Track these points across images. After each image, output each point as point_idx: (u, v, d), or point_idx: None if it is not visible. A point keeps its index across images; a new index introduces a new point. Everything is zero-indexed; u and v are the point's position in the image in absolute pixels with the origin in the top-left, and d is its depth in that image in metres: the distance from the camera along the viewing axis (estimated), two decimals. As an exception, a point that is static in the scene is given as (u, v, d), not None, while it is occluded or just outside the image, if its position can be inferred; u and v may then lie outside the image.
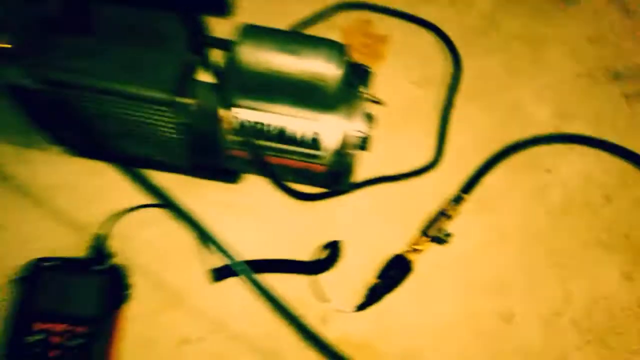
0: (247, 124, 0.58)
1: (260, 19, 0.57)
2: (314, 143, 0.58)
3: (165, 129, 0.60)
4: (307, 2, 0.81)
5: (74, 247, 0.63)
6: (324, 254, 0.65)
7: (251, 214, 0.67)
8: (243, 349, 0.61)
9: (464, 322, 0.63)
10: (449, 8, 0.86)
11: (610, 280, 0.66)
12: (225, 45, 0.58)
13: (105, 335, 0.58)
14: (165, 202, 0.54)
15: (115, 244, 0.64)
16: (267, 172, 0.61)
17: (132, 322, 0.61)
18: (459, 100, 0.77)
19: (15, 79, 0.56)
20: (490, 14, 0.85)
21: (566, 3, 0.86)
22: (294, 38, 0.57)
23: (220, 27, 0.58)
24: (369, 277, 0.65)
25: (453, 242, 0.66)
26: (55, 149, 0.70)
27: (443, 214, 0.67)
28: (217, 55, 0.59)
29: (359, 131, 0.58)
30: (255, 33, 0.56)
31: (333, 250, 0.64)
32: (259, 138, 0.59)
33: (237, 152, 0.61)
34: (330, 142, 0.58)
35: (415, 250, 0.65)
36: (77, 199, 0.69)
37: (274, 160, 0.60)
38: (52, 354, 0.56)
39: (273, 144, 0.59)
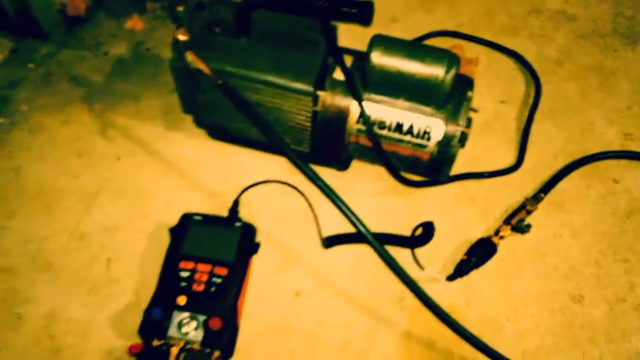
0: (370, 115, 0.71)
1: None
2: (424, 134, 0.70)
3: (301, 117, 0.74)
4: (410, 29, 0.95)
5: (211, 210, 0.76)
6: (420, 232, 0.76)
7: (357, 195, 0.79)
8: (346, 303, 0.73)
9: (537, 299, 0.73)
10: (529, 41, 0.99)
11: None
12: (356, 52, 0.72)
13: (238, 278, 0.69)
14: (311, 176, 0.64)
15: (244, 210, 0.77)
16: (382, 157, 0.73)
17: (256, 274, 0.73)
18: (538, 117, 0.88)
19: (187, 64, 0.70)
20: (566, 48, 0.98)
21: (633, 42, 0.97)
22: (416, 46, 0.70)
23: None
24: (457, 255, 0.75)
25: (531, 233, 0.77)
26: (198, 132, 0.85)
27: (524, 208, 0.78)
28: (349, 59, 0.73)
29: (460, 128, 0.70)
30: (385, 41, 0.69)
31: (427, 229, 0.76)
32: (378, 127, 0.71)
33: (357, 139, 0.74)
34: (436, 134, 0.70)
35: (499, 236, 0.76)
36: (214, 173, 0.83)
37: (388, 147, 0.73)
38: (195, 287, 0.68)
39: (390, 133, 0.71)
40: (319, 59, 0.72)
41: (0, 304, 0.71)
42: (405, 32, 0.95)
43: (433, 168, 0.74)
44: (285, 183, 0.80)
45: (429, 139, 0.71)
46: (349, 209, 0.65)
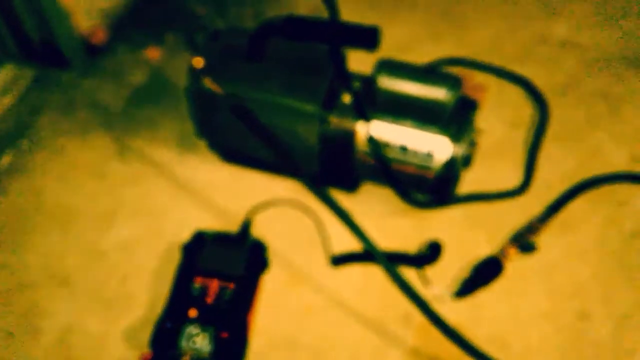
0: (376, 136, 0.77)
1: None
2: (428, 155, 0.76)
3: (310, 138, 0.80)
4: (420, 58, 1.02)
5: (223, 229, 0.82)
6: (427, 251, 0.81)
7: (366, 216, 0.84)
8: (354, 320, 0.77)
9: (544, 317, 0.77)
10: (537, 68, 1.05)
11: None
12: (364, 76, 0.79)
13: (248, 292, 0.75)
14: (324, 199, 0.71)
15: (256, 229, 0.83)
16: (389, 177, 0.79)
17: (266, 291, 0.78)
18: (545, 141, 0.94)
19: (204, 87, 0.78)
20: (574, 74, 1.04)
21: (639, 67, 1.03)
22: (421, 70, 0.77)
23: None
24: (464, 274, 0.80)
25: (538, 252, 0.81)
26: (211, 156, 0.92)
27: (530, 229, 0.83)
28: (356, 82, 0.80)
29: (463, 149, 0.76)
30: (390, 64, 0.76)
31: (435, 248, 0.81)
32: (385, 148, 0.77)
33: (364, 160, 0.80)
34: (440, 155, 0.76)
35: (505, 255, 0.80)
36: (226, 195, 0.89)
37: (395, 167, 0.78)
38: (208, 300, 0.73)
39: (395, 154, 0.77)
40: (327, 83, 0.79)
41: (20, 317, 0.77)
42: (415, 60, 1.02)
43: (438, 188, 0.80)
44: (295, 204, 0.86)
45: (433, 159, 0.76)
46: (358, 227, 0.71)
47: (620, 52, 1.07)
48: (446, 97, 0.73)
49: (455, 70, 1.03)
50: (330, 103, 0.79)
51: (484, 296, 0.79)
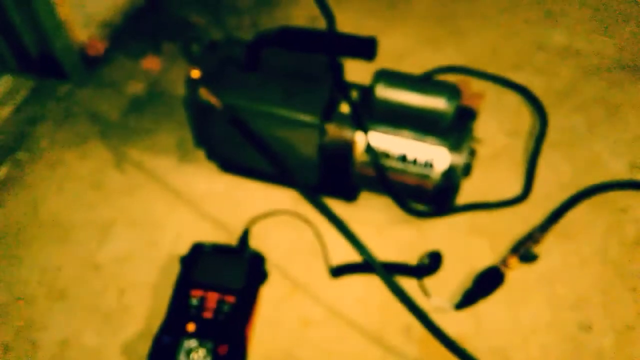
0: (375, 146, 0.75)
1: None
2: (427, 164, 0.74)
3: (308, 149, 0.78)
4: (418, 66, 1.00)
5: (221, 240, 0.79)
6: (427, 261, 0.79)
7: (365, 226, 0.82)
8: (355, 333, 0.75)
9: (546, 328, 0.75)
10: (536, 76, 1.03)
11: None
12: (362, 86, 0.77)
13: (247, 305, 0.72)
14: (321, 209, 0.69)
15: (254, 240, 0.80)
16: (388, 187, 0.77)
17: (265, 303, 0.76)
18: (545, 150, 0.92)
19: (201, 98, 0.75)
20: (572, 82, 1.02)
21: (638, 75, 1.01)
22: (418, 80, 0.75)
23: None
24: (465, 284, 0.78)
25: (539, 262, 0.79)
26: (209, 165, 0.89)
27: (531, 238, 0.80)
28: (354, 92, 0.77)
29: (463, 158, 0.74)
30: (388, 75, 0.73)
31: (435, 259, 0.78)
32: (384, 158, 0.75)
33: (363, 170, 0.77)
34: (440, 165, 0.74)
35: (506, 265, 0.78)
36: (224, 205, 0.87)
37: (394, 177, 0.76)
38: (204, 314, 0.71)
39: (395, 164, 0.75)
40: (326, 93, 0.77)
41: (17, 331, 0.75)
42: (413, 68, 1.00)
43: (438, 197, 0.77)
44: (294, 214, 0.83)
45: (432, 169, 0.74)
46: (357, 238, 0.69)
47: (618, 59, 1.05)
48: (445, 106, 0.71)
49: (452, 78, 1.01)
50: (329, 113, 0.76)
51: (485, 307, 0.76)
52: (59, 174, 0.90)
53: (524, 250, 0.80)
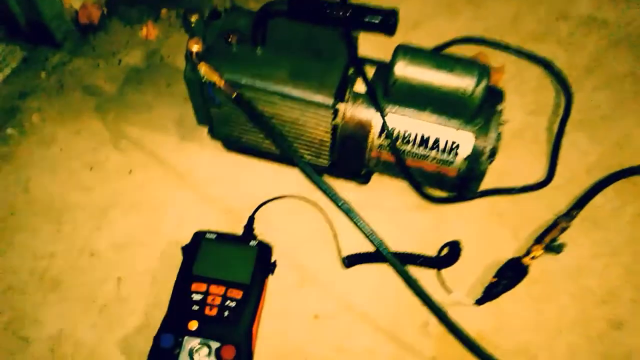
0: (393, 129, 0.65)
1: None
2: (451, 150, 0.64)
3: (320, 130, 0.68)
4: (433, 35, 0.89)
5: (224, 226, 0.70)
6: (445, 252, 0.70)
7: (377, 211, 0.73)
8: (368, 327, 0.67)
9: (573, 325, 0.67)
10: (558, 48, 0.92)
11: None
12: (378, 62, 0.66)
13: (253, 301, 0.64)
14: (328, 194, 0.60)
15: (260, 227, 0.71)
16: (405, 173, 0.67)
17: (272, 295, 0.67)
18: (569, 129, 0.82)
19: (202, 75, 0.65)
20: (597, 56, 0.91)
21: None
22: (443, 57, 0.64)
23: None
24: (485, 277, 0.69)
25: (565, 253, 0.70)
26: (213, 144, 0.79)
27: (557, 226, 0.71)
28: (371, 69, 0.67)
29: (490, 143, 0.64)
30: (409, 51, 0.63)
31: (454, 249, 0.69)
32: (402, 142, 0.65)
33: (379, 154, 0.68)
34: (465, 150, 0.64)
35: (530, 256, 0.69)
36: (229, 187, 0.77)
37: (412, 163, 0.67)
38: (208, 311, 0.62)
39: (414, 149, 0.65)
40: (340, 70, 0.66)
41: (5, 325, 0.66)
42: (428, 37, 0.89)
43: (460, 185, 0.68)
44: (303, 198, 0.74)
45: (456, 155, 0.64)
46: (367, 226, 0.60)
47: (648, 30, 0.93)
48: (474, 88, 0.61)
49: (469, 50, 0.89)
50: (343, 93, 0.66)
51: (508, 302, 0.68)
52: (51, 152, 0.80)
53: (549, 240, 0.71)
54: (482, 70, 0.61)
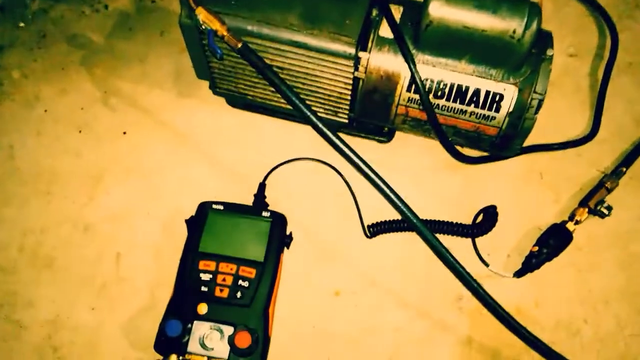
0: (425, 80, 0.55)
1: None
2: (493, 104, 0.55)
3: (339, 84, 0.58)
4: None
5: (231, 192, 0.62)
6: (481, 218, 0.62)
7: (402, 172, 0.65)
8: (395, 304, 0.60)
9: (621, 295, 0.60)
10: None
11: None
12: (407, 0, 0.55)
13: (269, 280, 0.56)
14: (345, 154, 0.51)
15: (272, 194, 0.63)
16: (437, 132, 0.58)
17: (288, 271, 0.60)
18: (614, 74, 0.72)
19: (199, 22, 0.55)
20: (644, -12, 0.79)
21: None
22: (486, -6, 0.53)
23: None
24: (525, 245, 0.61)
25: (612, 216, 0.62)
26: (215, 100, 0.70)
27: (603, 186, 0.63)
28: (397, 11, 0.56)
29: (538, 96, 0.54)
30: (446, -12, 0.52)
31: (490, 215, 0.61)
32: (435, 96, 0.56)
33: (406, 110, 0.58)
34: (508, 104, 0.55)
35: (574, 221, 0.61)
36: (235, 149, 0.69)
37: (446, 120, 0.57)
38: (218, 292, 0.55)
39: (449, 104, 0.56)
40: (361, 12, 0.56)
41: (-4, 311, 0.60)
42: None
43: (500, 144, 0.59)
44: (320, 161, 0.65)
45: (498, 110, 0.55)
46: (392, 190, 0.52)
47: None
48: (522, 30, 0.51)
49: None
50: (366, 39, 0.56)
51: (550, 272, 0.60)
52: (36, 114, 0.71)
53: (595, 202, 0.63)
54: (533, 9, 0.51)
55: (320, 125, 0.52)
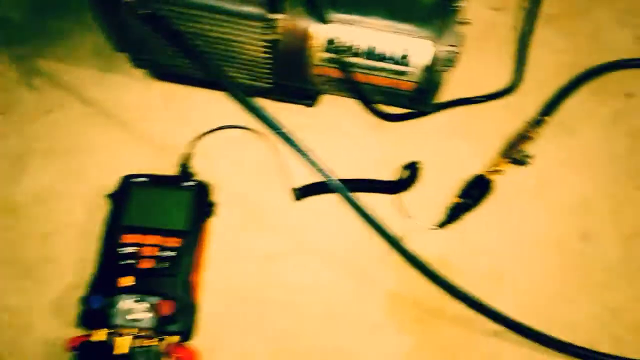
0: (337, 40, 0.54)
1: None
2: (405, 59, 0.55)
3: (254, 47, 0.57)
4: None
5: (159, 166, 0.61)
6: (404, 174, 0.62)
7: (329, 134, 0.65)
8: (324, 263, 0.60)
9: (543, 242, 0.61)
10: None
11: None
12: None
13: (193, 248, 0.56)
14: (263, 119, 0.50)
15: (199, 163, 0.62)
16: (355, 90, 0.58)
17: (217, 238, 0.59)
18: (540, 25, 0.71)
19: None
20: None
21: None
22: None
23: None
24: (448, 197, 0.62)
25: (533, 164, 0.62)
26: (138, 73, 0.68)
27: (523, 136, 0.63)
28: (305, -31, 0.55)
29: (450, 47, 0.54)
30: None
31: (413, 171, 0.62)
32: (348, 55, 0.55)
33: (324, 71, 0.58)
34: (421, 58, 0.54)
35: (495, 171, 0.62)
36: (161, 122, 0.67)
37: (362, 78, 0.57)
38: (142, 264, 0.54)
39: (363, 61, 0.56)
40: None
41: None
42: None
43: (418, 98, 0.59)
44: (246, 128, 0.65)
45: (411, 65, 0.55)
46: (309, 152, 0.51)
47: None
48: (425, -19, 0.50)
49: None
50: (279, 0, 0.55)
51: (472, 222, 0.61)
52: (-47, 97, 0.68)
53: (516, 151, 0.63)
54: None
55: (230, 86, 0.51)
